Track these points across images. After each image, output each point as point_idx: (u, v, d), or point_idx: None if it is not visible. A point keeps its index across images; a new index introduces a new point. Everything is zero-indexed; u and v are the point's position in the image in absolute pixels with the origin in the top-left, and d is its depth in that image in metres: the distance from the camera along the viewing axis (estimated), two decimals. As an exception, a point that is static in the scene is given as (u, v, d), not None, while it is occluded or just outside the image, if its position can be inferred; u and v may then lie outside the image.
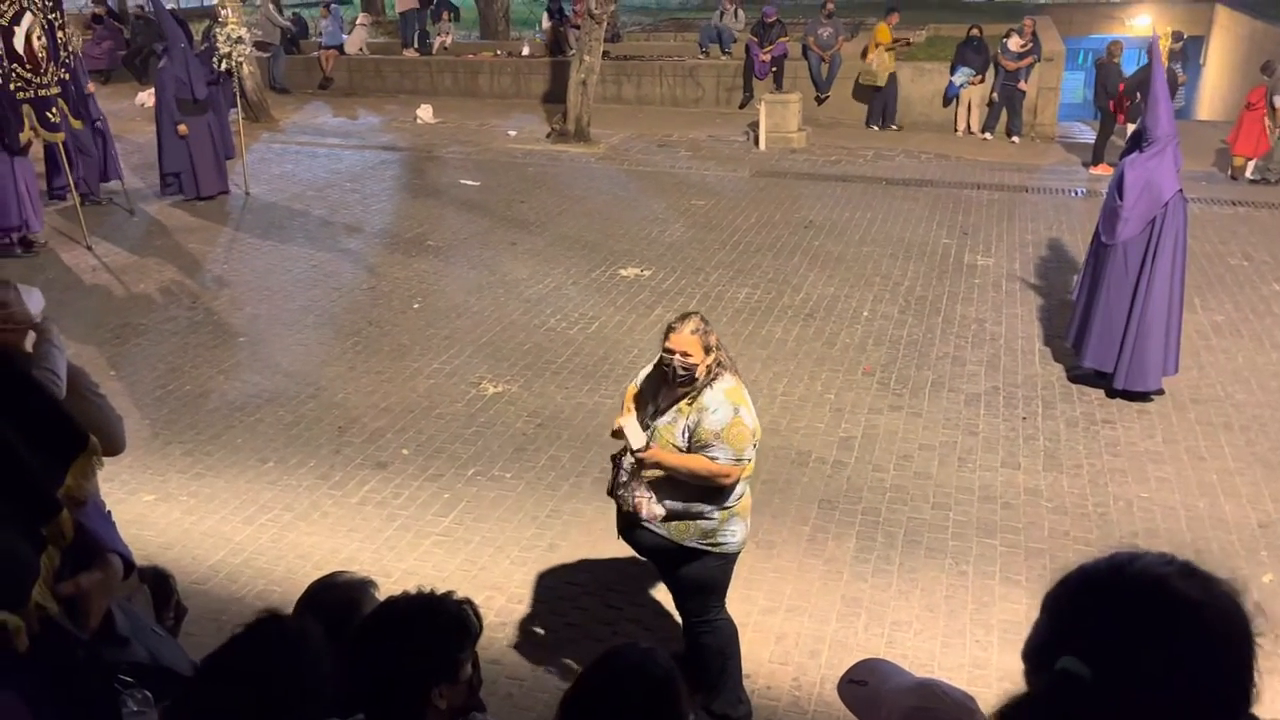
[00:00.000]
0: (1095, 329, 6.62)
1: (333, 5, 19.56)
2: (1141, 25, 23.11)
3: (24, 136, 8.93)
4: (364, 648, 2.22)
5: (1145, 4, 26.52)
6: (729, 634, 4.07)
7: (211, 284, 9.04)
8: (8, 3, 8.56)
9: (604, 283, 9.00)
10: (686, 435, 3.67)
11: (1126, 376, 6.54)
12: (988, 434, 6.37)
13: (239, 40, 11.22)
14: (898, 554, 5.17)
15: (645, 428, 3.78)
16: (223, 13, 11.98)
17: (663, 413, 3.77)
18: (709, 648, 4.01)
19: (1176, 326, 6.56)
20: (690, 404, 3.69)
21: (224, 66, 11.15)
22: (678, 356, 3.66)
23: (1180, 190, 6.44)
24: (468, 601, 2.41)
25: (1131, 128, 9.54)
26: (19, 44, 8.64)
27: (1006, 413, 6.64)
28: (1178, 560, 1.29)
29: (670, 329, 3.71)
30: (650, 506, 3.74)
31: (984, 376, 7.14)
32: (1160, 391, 6.71)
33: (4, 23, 8.55)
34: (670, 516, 3.78)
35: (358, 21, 20.30)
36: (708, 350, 3.67)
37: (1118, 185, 6.57)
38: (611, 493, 3.97)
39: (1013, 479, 5.87)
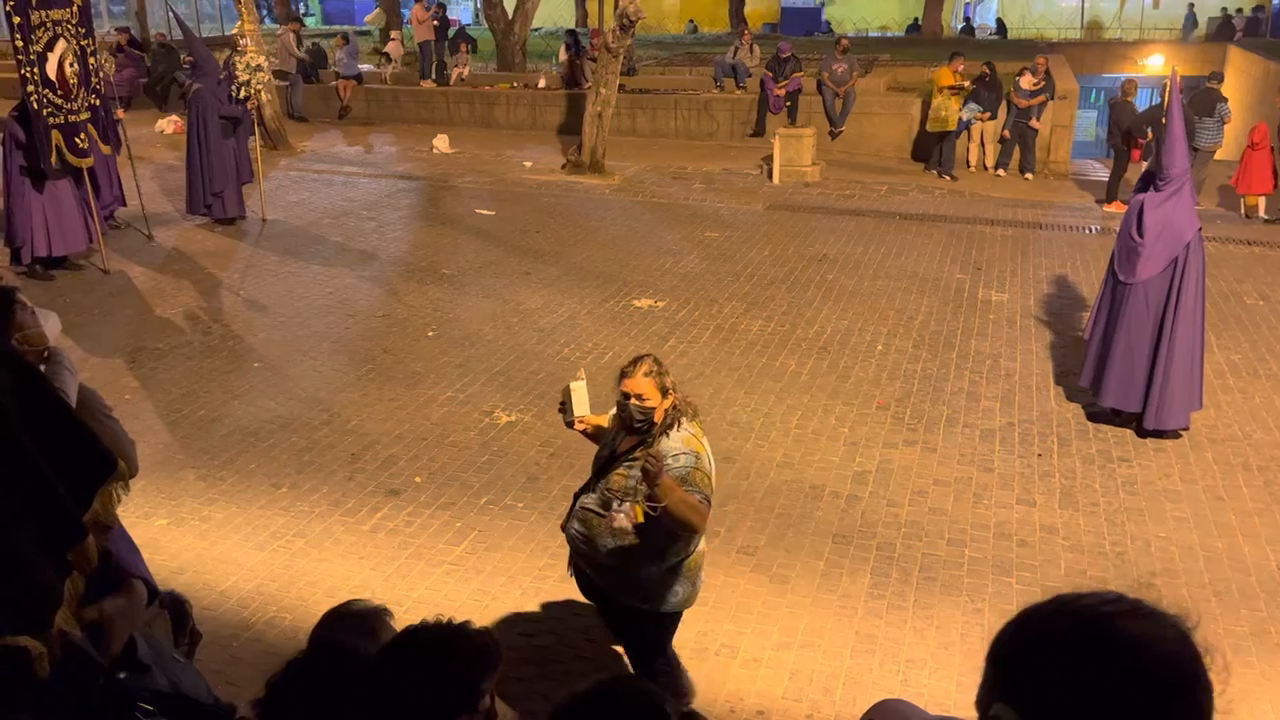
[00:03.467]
0: (1115, 368, 6.59)
1: (349, 36, 19.82)
2: (1155, 65, 23.23)
3: (52, 161, 9.02)
4: (385, 678, 2.20)
5: (1158, 45, 26.68)
6: (673, 676, 4.04)
7: (227, 309, 9.08)
8: (42, 29, 8.70)
9: (617, 313, 9.02)
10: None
11: (1156, 416, 6.51)
12: (1003, 470, 6.33)
13: (258, 68, 11.34)
14: (913, 590, 5.13)
15: (602, 476, 3.72)
16: (242, 41, 12.13)
17: (619, 460, 3.67)
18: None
19: (1199, 363, 6.55)
20: (648, 451, 3.55)
21: (243, 94, 11.27)
22: (634, 400, 3.56)
23: (1199, 229, 6.45)
24: (488, 631, 2.39)
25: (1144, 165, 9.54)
26: (51, 70, 8.76)
27: (1022, 449, 6.60)
28: (1127, 599, 1.22)
29: (624, 373, 3.61)
30: (623, 519, 3.61)
31: (999, 412, 7.11)
32: (1186, 427, 6.68)
33: (38, 48, 8.68)
34: (610, 570, 3.72)
35: (391, 37, 20.63)
36: (664, 392, 3.58)
37: (1135, 224, 6.57)
38: (565, 528, 3.91)
39: (1028, 516, 5.82)
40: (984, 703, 1.25)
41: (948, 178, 14.64)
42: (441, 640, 2.26)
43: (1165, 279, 6.42)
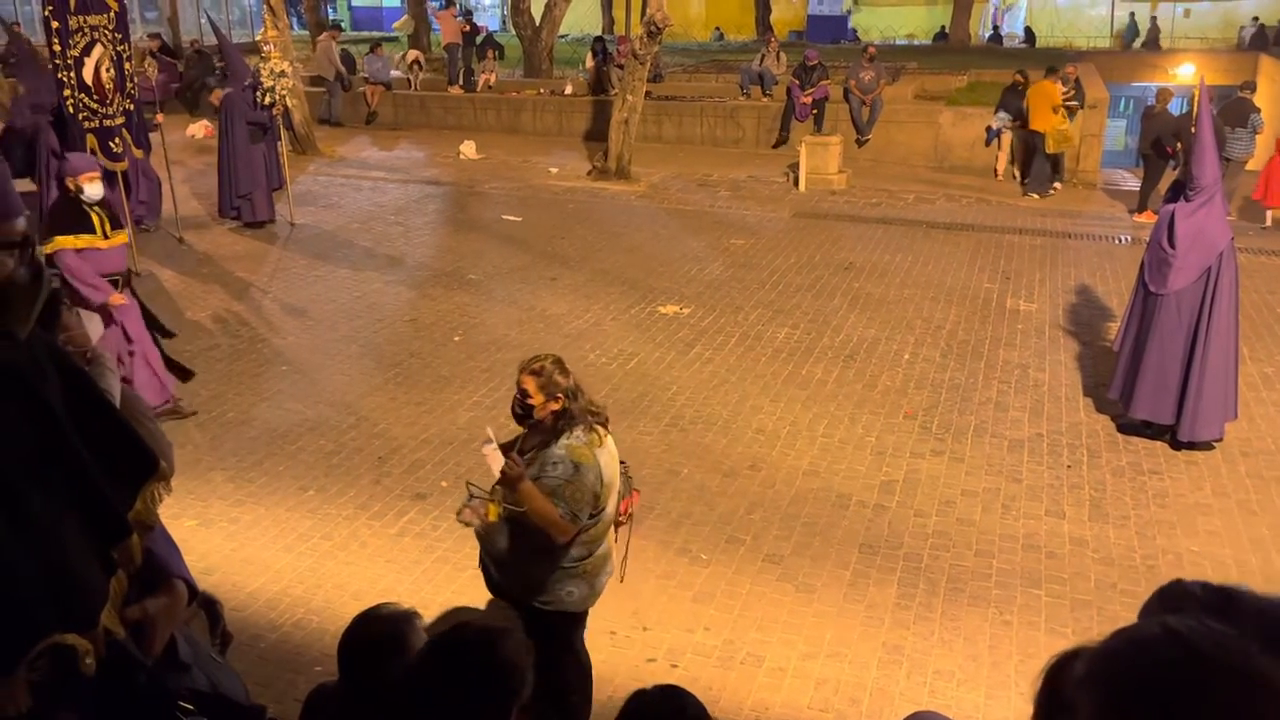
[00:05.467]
0: (1147, 380, 6.52)
1: (382, 44, 20.02)
2: (1185, 74, 23.00)
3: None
4: (439, 673, 2.21)
5: (1188, 54, 26.41)
6: (578, 672, 4.00)
7: (255, 312, 9.16)
8: (80, 34, 8.83)
9: (643, 319, 9.02)
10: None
11: (1191, 428, 6.44)
12: (1031, 481, 6.28)
13: (281, 74, 11.44)
14: (940, 601, 5.09)
15: None
16: (266, 48, 12.22)
17: (522, 456, 3.73)
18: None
19: (1234, 373, 6.49)
20: (539, 454, 3.64)
21: (267, 100, 11.37)
22: (518, 394, 3.68)
23: (1232, 238, 6.38)
24: (518, 629, 2.43)
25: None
26: (88, 75, 8.89)
27: (1051, 460, 6.54)
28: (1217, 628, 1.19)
29: (520, 366, 3.73)
30: (469, 514, 3.69)
31: (1027, 423, 7.05)
32: (1220, 438, 6.61)
33: (75, 53, 8.81)
34: (505, 566, 3.76)
35: (418, 62, 20.71)
36: (549, 395, 3.62)
37: (1165, 235, 6.50)
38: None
39: (1057, 528, 5.77)
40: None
41: (1034, 196, 13.85)
42: (490, 635, 2.28)
43: (1198, 289, 6.35)
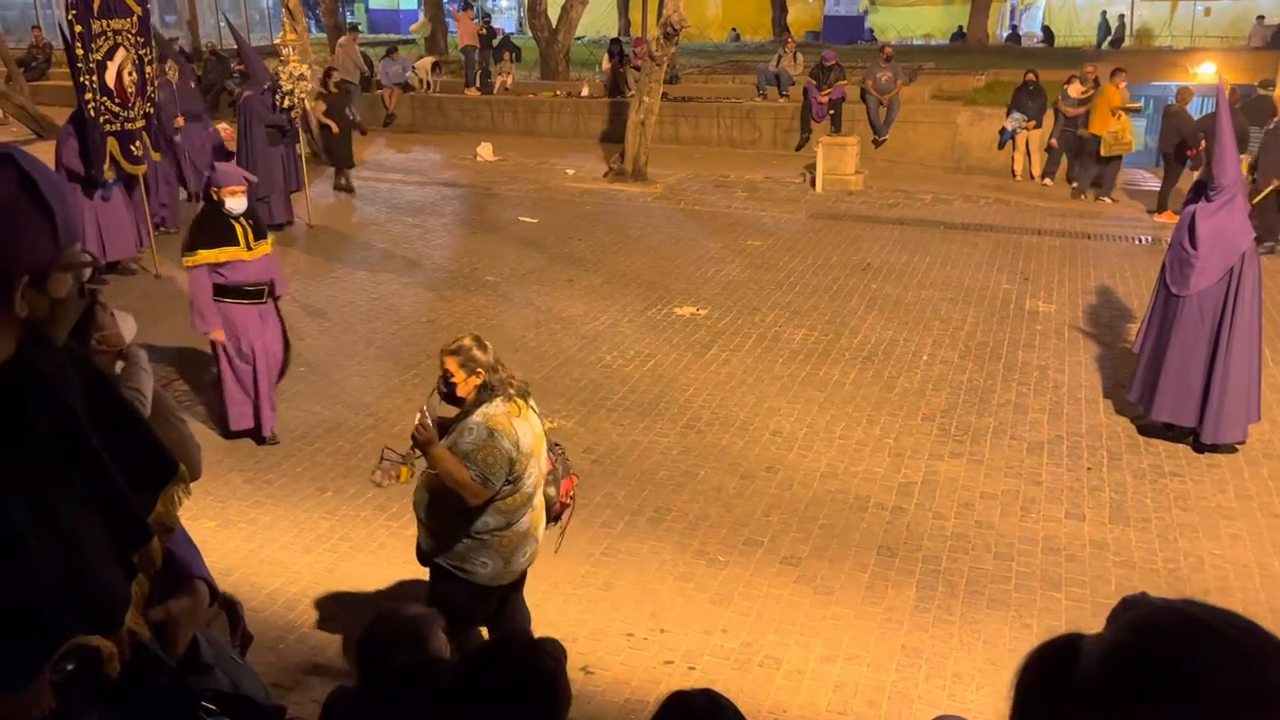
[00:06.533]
0: (1169, 382, 6.47)
1: (398, 48, 20.11)
2: (1206, 73, 22.82)
3: (106, 169, 9.23)
4: (484, 689, 2.22)
5: (1209, 52, 26.19)
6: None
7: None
8: (103, 37, 8.91)
9: (659, 321, 9.02)
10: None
11: (1214, 430, 6.39)
12: (1051, 484, 6.24)
13: (300, 77, 11.50)
14: (959, 604, 5.07)
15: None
16: (284, 51, 12.29)
17: (448, 429, 3.89)
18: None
19: (1257, 374, 6.44)
20: (459, 423, 3.82)
21: (287, 103, 11.43)
22: (441, 375, 3.83)
23: (1254, 238, 6.33)
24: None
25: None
26: (110, 78, 8.97)
27: (1070, 462, 6.50)
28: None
29: (442, 349, 3.89)
30: (379, 476, 3.92)
31: (1047, 425, 7.01)
32: (1243, 440, 6.55)
33: (98, 57, 8.89)
34: (426, 529, 3.92)
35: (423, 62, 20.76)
36: (470, 372, 3.77)
37: (1186, 235, 6.45)
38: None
39: (1078, 531, 5.73)
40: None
41: (1107, 199, 13.68)
42: (534, 644, 2.30)
43: (1220, 290, 6.30)
